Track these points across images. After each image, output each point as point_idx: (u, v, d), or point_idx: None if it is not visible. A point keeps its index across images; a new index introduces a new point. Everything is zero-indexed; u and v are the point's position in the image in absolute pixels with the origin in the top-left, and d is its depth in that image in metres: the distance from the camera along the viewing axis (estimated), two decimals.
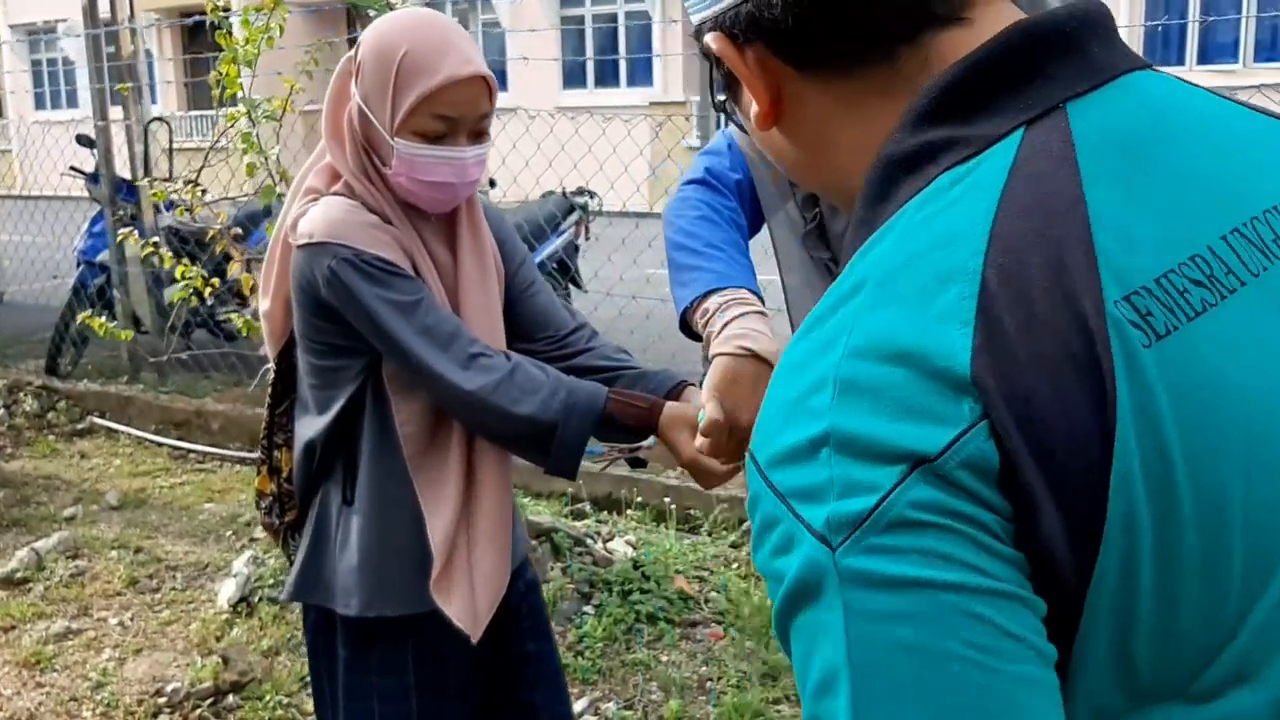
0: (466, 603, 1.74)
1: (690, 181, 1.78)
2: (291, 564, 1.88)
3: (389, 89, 1.62)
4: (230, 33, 3.31)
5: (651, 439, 1.69)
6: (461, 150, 1.65)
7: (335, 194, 1.72)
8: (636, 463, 1.77)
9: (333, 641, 1.82)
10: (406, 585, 1.75)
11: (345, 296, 1.64)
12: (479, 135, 1.69)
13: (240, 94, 3.11)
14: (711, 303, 1.60)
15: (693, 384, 1.77)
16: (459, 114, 1.63)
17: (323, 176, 1.78)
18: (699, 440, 1.56)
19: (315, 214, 1.68)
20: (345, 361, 1.73)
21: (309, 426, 1.79)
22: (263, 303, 1.86)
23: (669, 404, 1.68)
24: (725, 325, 1.56)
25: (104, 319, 4.42)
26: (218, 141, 3.44)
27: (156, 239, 3.82)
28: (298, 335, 1.77)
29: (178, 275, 3.35)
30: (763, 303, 1.64)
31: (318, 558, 1.81)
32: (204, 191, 4.32)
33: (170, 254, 3.73)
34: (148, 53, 11.46)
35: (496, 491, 1.79)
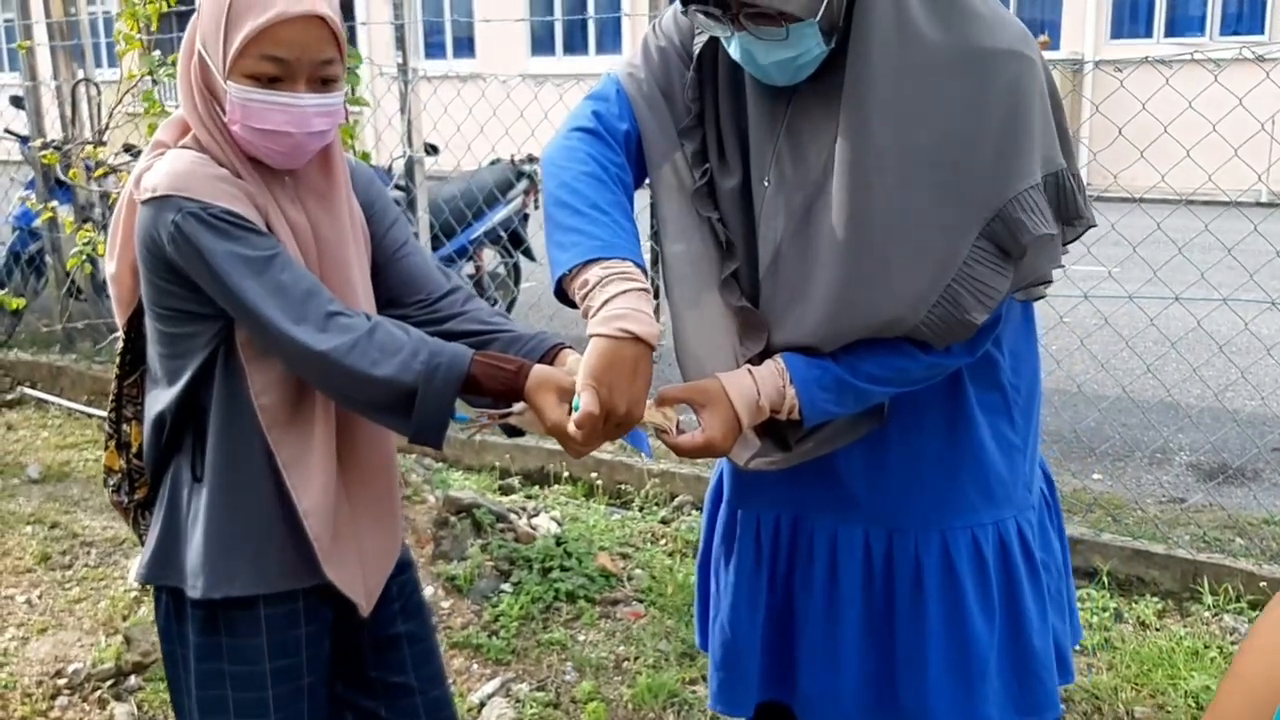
0: (355, 575, 1.71)
1: (577, 129, 1.65)
2: (142, 544, 1.77)
3: (221, 28, 1.51)
4: None
5: (521, 404, 1.59)
6: (298, 97, 1.54)
7: (183, 147, 1.62)
8: (511, 430, 1.66)
9: (184, 626, 1.72)
10: (256, 565, 1.66)
11: (191, 253, 1.52)
12: (325, 84, 1.57)
13: (139, 51, 2.96)
14: (592, 274, 1.48)
15: (570, 347, 1.67)
16: (293, 56, 1.52)
17: (172, 130, 1.70)
18: (572, 429, 1.45)
19: (160, 167, 1.59)
20: (194, 328, 1.62)
21: (158, 399, 1.69)
22: (109, 265, 1.74)
23: (536, 366, 1.58)
24: (605, 302, 1.45)
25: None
26: (120, 102, 3.28)
27: (54, 203, 3.66)
28: (144, 300, 1.66)
29: (78, 241, 3.20)
30: (646, 276, 1.53)
31: (171, 538, 1.72)
32: (133, 153, 4.15)
33: (68, 219, 3.57)
34: (105, 14, 11.19)
35: (377, 470, 1.75)
